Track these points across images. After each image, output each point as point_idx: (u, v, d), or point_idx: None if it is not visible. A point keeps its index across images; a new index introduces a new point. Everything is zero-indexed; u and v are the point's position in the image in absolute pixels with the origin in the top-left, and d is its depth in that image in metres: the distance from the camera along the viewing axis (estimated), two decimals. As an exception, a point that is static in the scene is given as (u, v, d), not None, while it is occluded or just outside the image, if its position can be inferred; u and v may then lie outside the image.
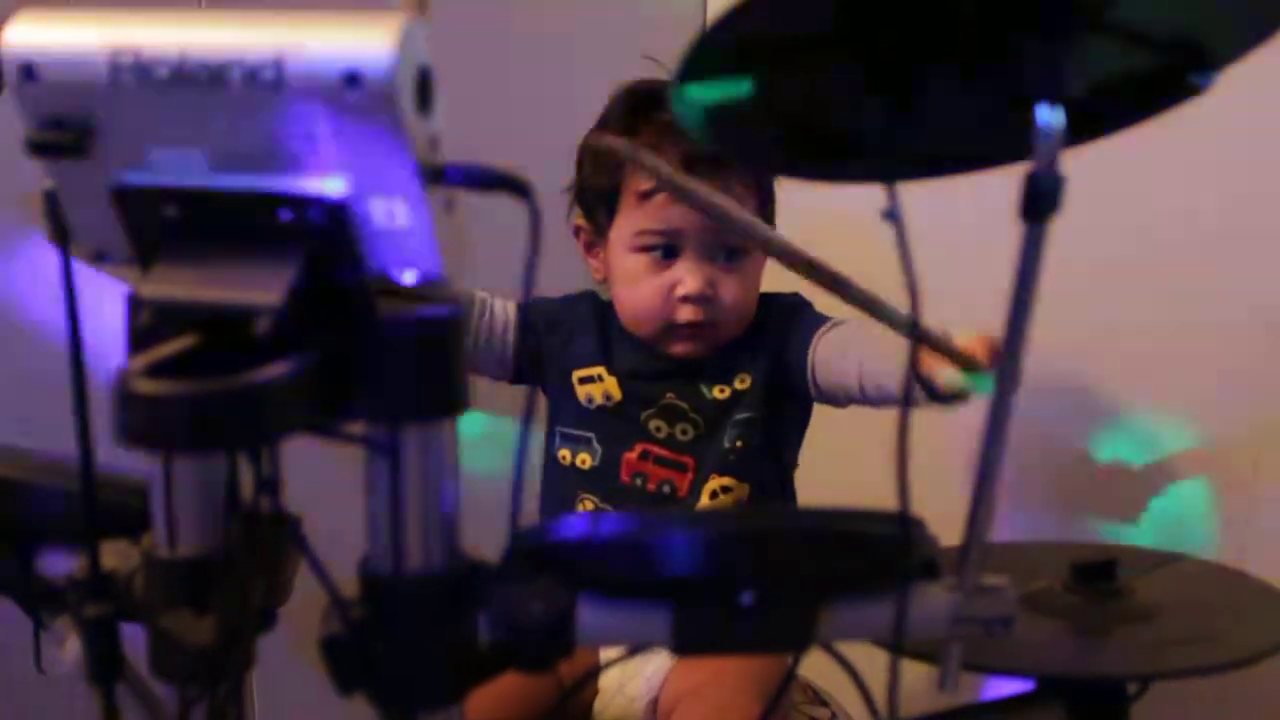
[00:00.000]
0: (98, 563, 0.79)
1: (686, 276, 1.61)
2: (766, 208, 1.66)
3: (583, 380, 1.69)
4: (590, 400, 1.68)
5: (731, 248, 1.61)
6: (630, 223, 1.64)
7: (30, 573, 0.90)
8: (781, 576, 0.79)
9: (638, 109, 1.62)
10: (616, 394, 1.68)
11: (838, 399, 1.62)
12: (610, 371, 1.68)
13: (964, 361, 1.17)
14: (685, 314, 1.62)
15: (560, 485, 1.70)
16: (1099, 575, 1.11)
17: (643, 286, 1.64)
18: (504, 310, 1.72)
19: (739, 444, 1.63)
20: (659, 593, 0.78)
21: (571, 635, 0.76)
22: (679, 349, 1.65)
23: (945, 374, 1.30)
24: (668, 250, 1.62)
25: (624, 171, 1.63)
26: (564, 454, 1.68)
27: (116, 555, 0.80)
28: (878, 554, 0.80)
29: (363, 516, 0.76)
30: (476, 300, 1.69)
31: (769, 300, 1.70)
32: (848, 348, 1.57)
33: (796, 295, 1.69)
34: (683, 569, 0.79)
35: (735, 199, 1.56)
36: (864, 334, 1.55)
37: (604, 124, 1.67)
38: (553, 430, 1.72)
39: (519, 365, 1.73)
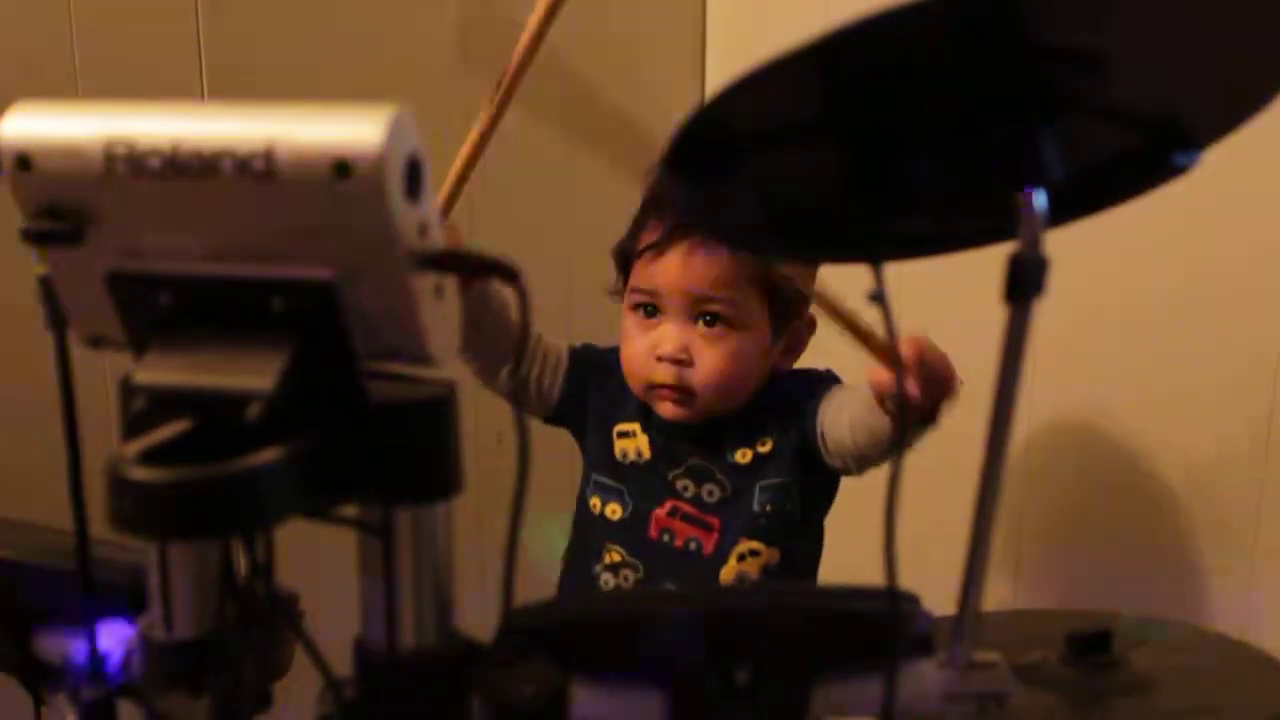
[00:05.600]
0: (95, 645, 0.79)
1: (664, 338, 1.65)
2: (775, 285, 1.67)
3: (621, 434, 1.74)
4: (625, 455, 1.73)
5: (712, 314, 1.64)
6: (631, 280, 1.69)
7: (29, 651, 0.90)
8: (775, 655, 0.79)
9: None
10: (646, 452, 1.72)
11: (849, 464, 1.64)
12: (644, 429, 1.73)
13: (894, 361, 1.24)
14: (660, 374, 1.65)
15: (589, 533, 1.75)
16: (1095, 646, 1.10)
17: (631, 344, 1.69)
18: (556, 349, 1.78)
19: (768, 508, 1.66)
20: (653, 672, 0.78)
21: (565, 717, 0.76)
22: (663, 410, 1.68)
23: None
24: (650, 309, 1.67)
25: (640, 233, 1.68)
26: (595, 502, 1.73)
27: (114, 637, 0.81)
28: (870, 631, 0.80)
29: (357, 595, 0.76)
30: (532, 336, 1.75)
31: (799, 375, 1.74)
32: (842, 409, 1.61)
33: (827, 371, 1.74)
34: (676, 649, 0.79)
35: (732, 264, 1.62)
36: (852, 392, 1.60)
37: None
38: (588, 476, 1.77)
39: (560, 405, 1.78)
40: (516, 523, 0.75)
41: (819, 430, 1.64)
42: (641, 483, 1.72)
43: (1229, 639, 1.32)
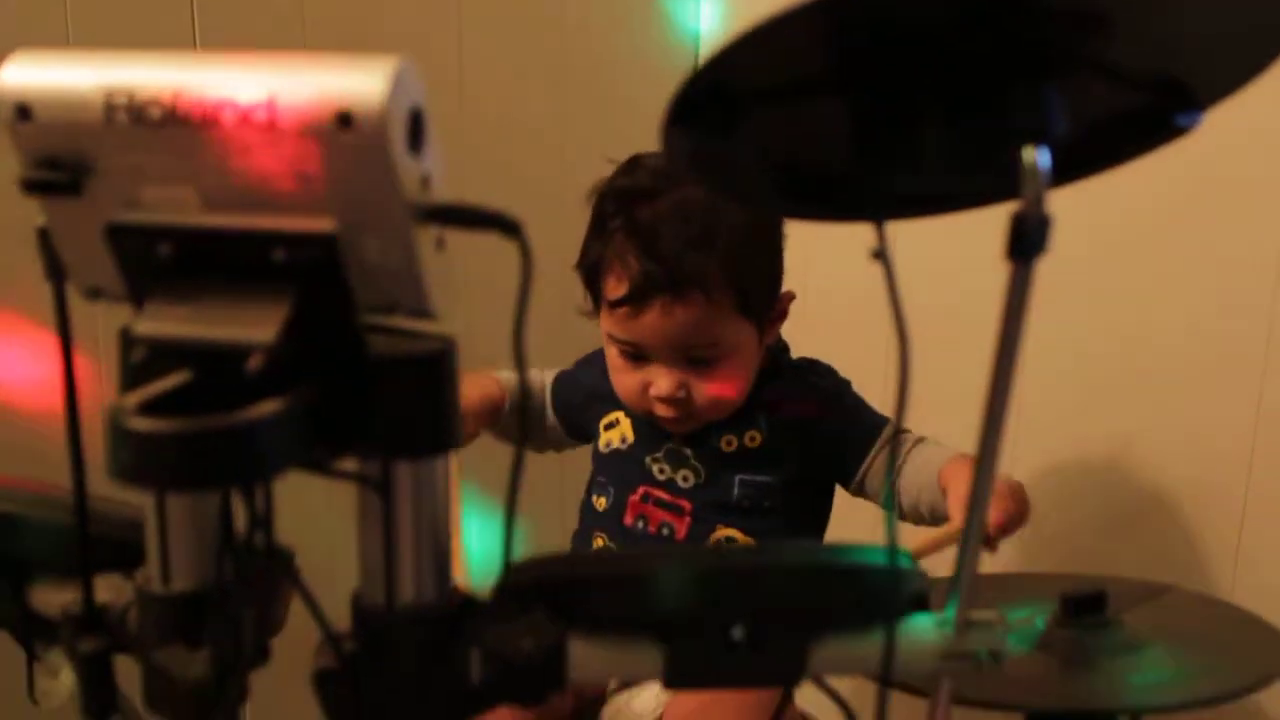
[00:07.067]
0: (92, 598, 0.79)
1: (658, 379, 1.65)
2: (751, 300, 1.65)
3: (606, 427, 1.77)
4: (609, 445, 1.76)
5: (699, 358, 1.64)
6: (605, 321, 1.67)
7: (24, 605, 0.90)
8: (772, 611, 0.79)
9: (615, 212, 1.64)
10: (630, 436, 1.74)
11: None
12: (628, 414, 1.75)
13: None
14: (660, 410, 1.66)
15: (583, 525, 1.78)
16: (1088, 608, 1.11)
17: (622, 378, 1.69)
18: (541, 388, 1.89)
19: (745, 503, 1.68)
20: (651, 627, 0.78)
21: (563, 671, 0.76)
22: (669, 428, 1.70)
23: None
24: (636, 355, 1.66)
25: (601, 275, 1.65)
26: (592, 498, 1.77)
27: (111, 590, 0.81)
28: (868, 589, 0.80)
29: (356, 549, 0.76)
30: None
31: (802, 375, 1.76)
32: (906, 485, 1.65)
33: (834, 376, 1.77)
34: (674, 604, 0.79)
35: (709, 306, 1.60)
36: (919, 467, 1.65)
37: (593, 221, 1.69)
38: (591, 477, 1.80)
39: (569, 432, 1.89)
40: (516, 478, 0.75)
41: (859, 478, 1.70)
42: (620, 469, 1.74)
43: (1220, 601, 1.33)
